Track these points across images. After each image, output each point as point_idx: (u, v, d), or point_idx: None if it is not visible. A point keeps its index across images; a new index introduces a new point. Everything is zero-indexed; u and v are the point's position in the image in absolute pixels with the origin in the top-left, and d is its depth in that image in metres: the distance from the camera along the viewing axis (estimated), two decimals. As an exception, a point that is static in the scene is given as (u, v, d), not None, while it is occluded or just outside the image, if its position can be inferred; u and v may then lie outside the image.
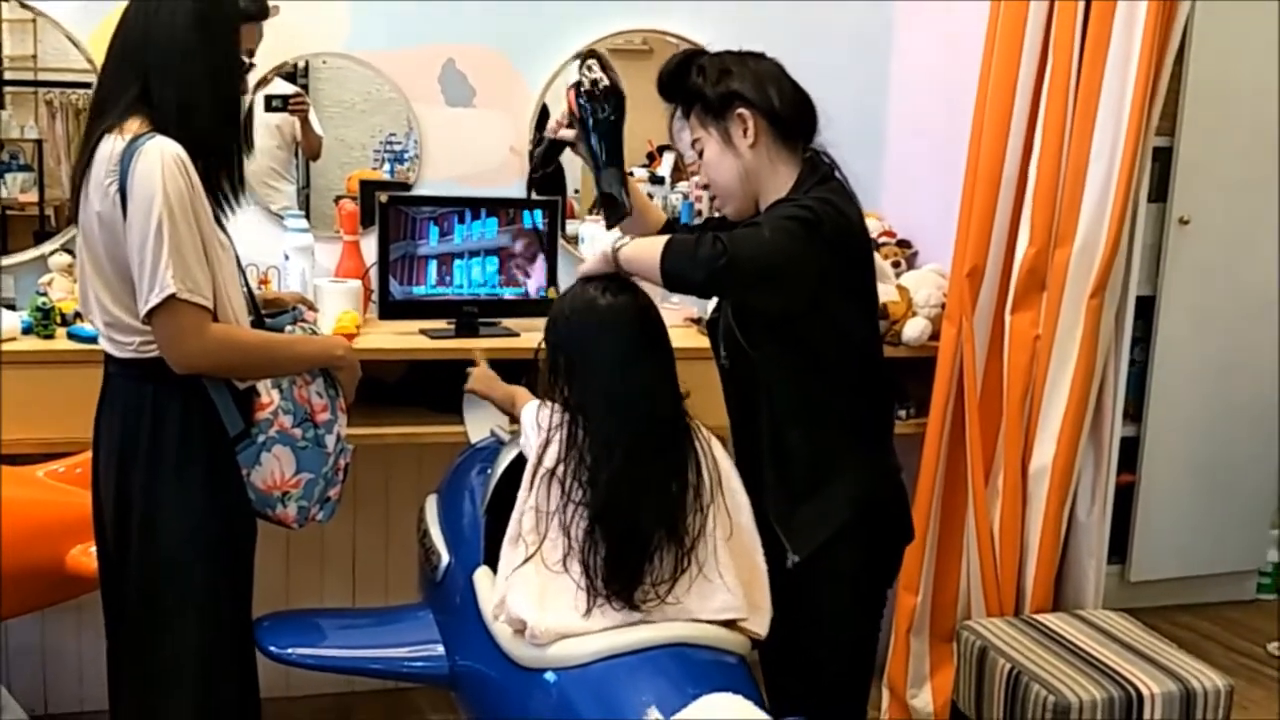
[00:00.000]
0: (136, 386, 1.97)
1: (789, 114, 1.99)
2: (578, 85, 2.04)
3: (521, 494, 1.88)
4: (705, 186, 2.09)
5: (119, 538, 2.04)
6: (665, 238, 1.88)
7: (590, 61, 2.05)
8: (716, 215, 2.15)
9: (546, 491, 1.85)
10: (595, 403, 1.86)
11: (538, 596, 1.80)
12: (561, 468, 1.84)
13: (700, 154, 2.04)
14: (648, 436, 1.85)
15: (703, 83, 2.00)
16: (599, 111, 2.02)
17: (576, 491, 1.83)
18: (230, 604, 2.08)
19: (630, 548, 1.81)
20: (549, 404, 1.92)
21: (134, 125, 1.89)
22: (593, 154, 2.06)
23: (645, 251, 1.89)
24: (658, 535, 1.83)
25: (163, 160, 1.84)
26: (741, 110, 1.97)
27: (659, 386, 1.90)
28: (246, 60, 2.02)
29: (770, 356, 1.98)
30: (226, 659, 2.07)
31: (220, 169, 1.99)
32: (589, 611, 1.80)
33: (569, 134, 2.09)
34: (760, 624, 1.89)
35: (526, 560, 1.83)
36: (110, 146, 1.88)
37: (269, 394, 2.05)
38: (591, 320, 1.90)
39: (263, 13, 2.05)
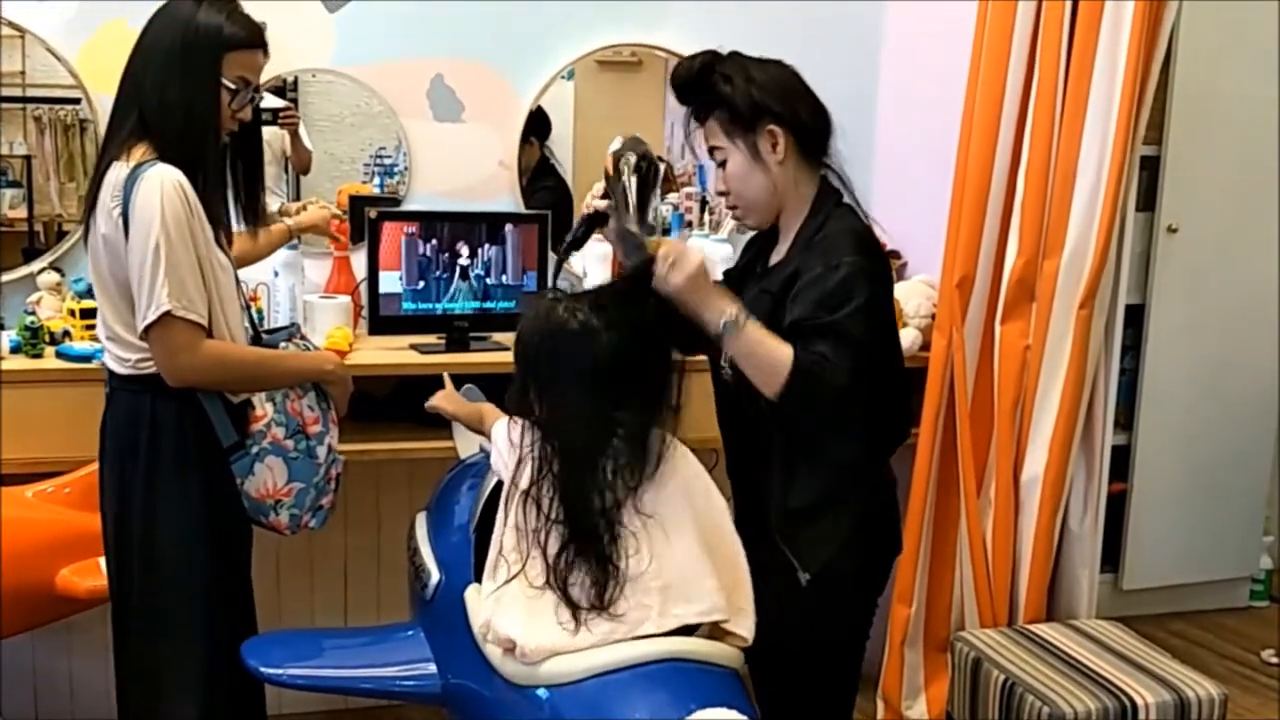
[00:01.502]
0: (135, 400, 2.08)
1: (816, 130, 1.98)
2: (616, 154, 2.03)
3: (500, 514, 1.88)
4: (723, 193, 2.05)
5: (121, 548, 2.13)
6: (790, 352, 1.83)
7: (628, 140, 2.05)
8: (731, 223, 2.10)
9: (523, 511, 1.85)
10: (567, 421, 1.85)
11: (524, 615, 1.80)
12: (536, 487, 1.84)
13: (722, 164, 2.00)
14: (619, 452, 1.85)
15: (730, 91, 1.95)
16: (629, 167, 2.00)
17: (553, 509, 1.83)
18: (231, 603, 2.19)
19: (605, 562, 1.80)
20: (519, 421, 1.92)
21: (138, 152, 2.01)
22: (625, 200, 2.02)
23: (768, 355, 1.84)
24: (632, 547, 1.83)
25: (162, 187, 1.95)
26: (772, 126, 1.94)
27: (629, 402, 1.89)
28: (245, 86, 2.09)
29: None
30: (230, 661, 2.09)
31: (218, 190, 2.09)
32: (576, 628, 1.79)
33: (603, 204, 2.06)
34: (745, 627, 1.88)
35: (510, 580, 1.83)
36: (116, 173, 2.00)
37: (263, 407, 2.15)
38: (563, 342, 1.87)
39: (254, 39, 2.10)
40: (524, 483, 1.86)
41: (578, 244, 2.07)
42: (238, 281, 2.16)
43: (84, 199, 2.14)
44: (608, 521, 1.82)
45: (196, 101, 2.03)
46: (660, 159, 2.03)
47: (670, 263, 1.86)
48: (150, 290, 1.95)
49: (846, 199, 2.02)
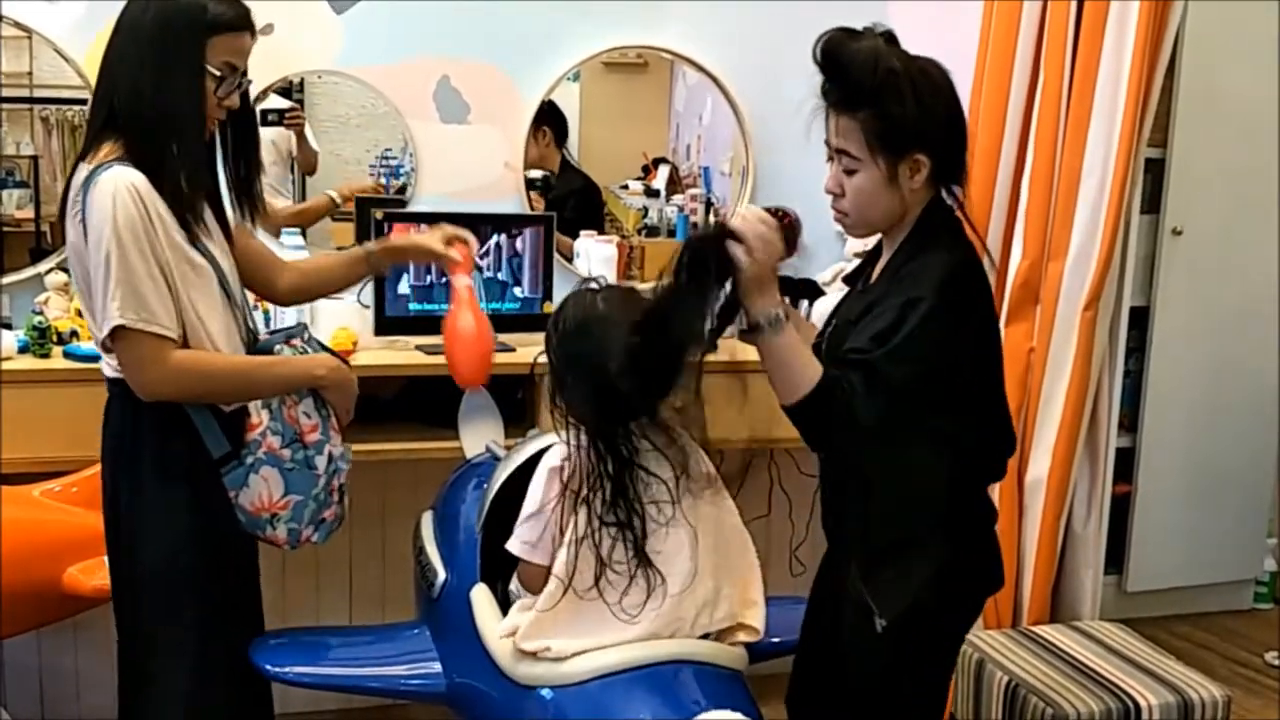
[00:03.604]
0: (123, 406, 1.98)
1: (960, 159, 1.82)
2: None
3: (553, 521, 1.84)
4: (834, 194, 1.85)
5: (112, 554, 2.06)
6: (818, 372, 1.69)
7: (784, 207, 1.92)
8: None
9: (573, 514, 1.81)
10: (594, 414, 1.83)
11: (568, 625, 1.79)
12: (586, 489, 1.81)
13: (849, 172, 1.81)
14: (646, 447, 1.85)
15: (901, 113, 1.74)
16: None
17: (599, 507, 1.80)
18: (226, 619, 2.07)
19: (643, 561, 1.80)
20: (564, 429, 1.87)
21: (103, 151, 1.88)
22: None
23: (796, 366, 1.70)
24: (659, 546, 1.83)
25: (114, 190, 1.82)
26: (920, 155, 1.77)
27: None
28: (232, 72, 1.93)
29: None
30: (223, 676, 2.06)
31: (200, 187, 1.93)
32: (606, 630, 1.79)
33: None
34: (758, 618, 1.88)
35: (557, 603, 1.80)
36: (80, 175, 1.88)
37: (259, 414, 2.01)
38: (591, 330, 1.85)
39: (241, 21, 1.94)
40: (574, 484, 1.82)
41: (723, 319, 1.85)
42: (225, 282, 1.99)
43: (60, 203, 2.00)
44: (636, 520, 1.81)
45: (176, 90, 1.87)
46: (797, 220, 1.88)
47: (758, 239, 1.70)
48: (102, 304, 1.83)
49: (959, 215, 1.87)
